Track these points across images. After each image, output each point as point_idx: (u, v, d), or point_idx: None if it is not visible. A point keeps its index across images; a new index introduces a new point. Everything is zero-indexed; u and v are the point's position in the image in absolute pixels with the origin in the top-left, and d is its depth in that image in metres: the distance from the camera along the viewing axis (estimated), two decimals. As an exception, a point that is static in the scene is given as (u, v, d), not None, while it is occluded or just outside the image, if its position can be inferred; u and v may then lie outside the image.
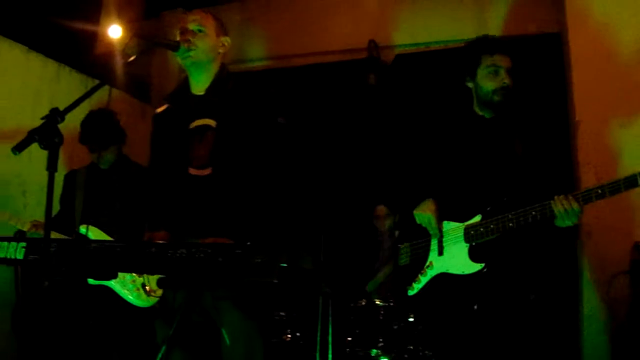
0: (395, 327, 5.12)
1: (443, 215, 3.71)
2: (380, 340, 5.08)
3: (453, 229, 3.63)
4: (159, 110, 3.62)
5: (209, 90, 3.45)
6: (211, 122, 3.37)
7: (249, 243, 2.47)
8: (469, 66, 3.79)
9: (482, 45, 3.77)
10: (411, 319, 5.11)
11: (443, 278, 3.62)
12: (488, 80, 3.68)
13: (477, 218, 3.54)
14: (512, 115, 3.73)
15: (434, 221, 3.67)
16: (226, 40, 3.56)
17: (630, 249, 4.89)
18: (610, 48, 5.45)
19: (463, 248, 3.55)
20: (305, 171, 3.60)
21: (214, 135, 3.34)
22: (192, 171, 3.33)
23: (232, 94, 3.43)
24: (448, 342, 3.66)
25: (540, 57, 6.25)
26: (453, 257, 3.60)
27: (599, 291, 5.11)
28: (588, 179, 5.10)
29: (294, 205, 3.37)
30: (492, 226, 3.44)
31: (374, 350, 5.08)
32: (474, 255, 3.50)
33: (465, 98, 3.87)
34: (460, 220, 3.61)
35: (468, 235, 3.54)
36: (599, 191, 3.16)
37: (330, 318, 3.74)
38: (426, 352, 5.02)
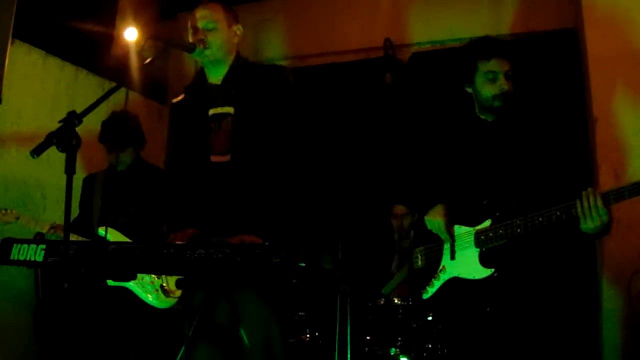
0: (414, 325, 5.10)
1: (455, 218, 3.69)
2: (399, 339, 5.06)
3: (464, 233, 3.62)
4: (176, 100, 3.65)
5: (225, 78, 3.47)
6: (229, 110, 3.39)
7: (267, 243, 2.47)
8: (466, 72, 3.75)
9: (478, 50, 3.70)
10: (430, 318, 5.09)
11: (456, 282, 3.62)
12: (486, 86, 3.64)
13: (487, 223, 3.52)
14: (518, 117, 3.70)
15: (443, 226, 3.65)
16: (238, 28, 3.57)
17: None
18: (627, 43, 5.42)
19: (474, 253, 3.54)
20: (323, 169, 3.60)
21: (232, 121, 3.35)
22: (214, 158, 3.36)
23: (249, 81, 3.43)
24: (462, 345, 3.65)
25: (557, 53, 6.22)
26: (464, 262, 3.59)
27: (618, 289, 5.07)
28: (607, 179, 5.07)
29: (312, 197, 3.38)
30: (501, 231, 3.42)
31: (393, 349, 5.07)
32: (484, 261, 3.49)
33: (468, 101, 3.85)
34: (472, 224, 3.60)
35: (478, 241, 3.53)
36: (625, 192, 3.07)
37: (348, 317, 3.73)
38: (445, 350, 5.00)
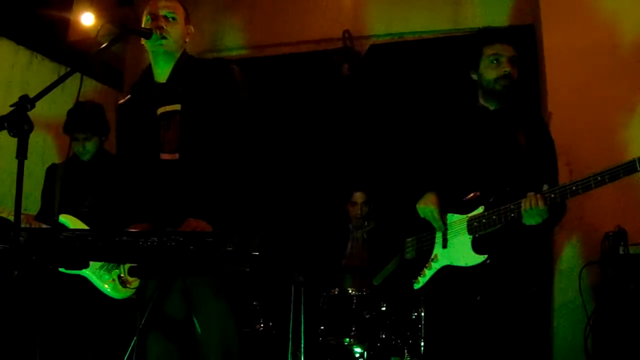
0: (368, 315, 5.14)
1: (447, 207, 3.71)
2: (353, 329, 5.10)
3: (457, 221, 3.63)
4: (122, 101, 3.62)
5: (171, 77, 3.43)
6: (177, 107, 3.36)
7: (220, 231, 2.48)
8: (472, 58, 3.79)
9: (483, 37, 3.78)
10: (383, 308, 5.13)
11: (448, 270, 3.63)
12: (490, 69, 3.69)
13: (480, 210, 3.54)
14: (516, 106, 3.74)
15: (436, 214, 3.67)
16: (191, 28, 3.55)
17: (600, 239, 4.93)
18: (583, 40, 5.49)
19: (466, 240, 3.55)
20: (278, 160, 3.61)
21: (179, 119, 3.34)
22: (164, 156, 3.33)
23: (195, 77, 3.41)
24: (453, 334, 3.66)
25: (515, 48, 6.27)
26: (457, 250, 3.60)
27: (570, 281, 5.15)
28: (561, 174, 5.12)
29: (264, 189, 3.38)
30: (494, 217, 3.44)
31: (347, 339, 5.10)
32: (477, 247, 3.50)
33: (469, 90, 3.87)
34: (464, 212, 3.61)
35: (471, 227, 3.54)
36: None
37: (302, 307, 3.75)
38: (398, 341, 5.05)
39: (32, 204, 5.12)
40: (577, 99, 5.40)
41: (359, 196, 6.30)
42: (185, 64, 3.46)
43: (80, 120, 4.90)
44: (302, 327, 3.85)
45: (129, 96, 3.60)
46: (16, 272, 2.54)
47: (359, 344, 5.08)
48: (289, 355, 3.80)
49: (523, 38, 6.25)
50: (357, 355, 5.08)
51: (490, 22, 6.50)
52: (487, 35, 3.76)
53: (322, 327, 5.20)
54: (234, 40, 7.46)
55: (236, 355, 3.24)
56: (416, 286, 3.79)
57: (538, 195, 3.25)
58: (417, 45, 6.79)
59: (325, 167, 6.68)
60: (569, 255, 5.21)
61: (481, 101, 3.81)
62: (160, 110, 3.39)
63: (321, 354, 5.19)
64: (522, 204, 3.29)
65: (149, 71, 3.52)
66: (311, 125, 6.81)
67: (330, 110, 6.79)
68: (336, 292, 5.31)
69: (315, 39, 7.10)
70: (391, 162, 4.00)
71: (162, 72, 3.45)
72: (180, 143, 3.31)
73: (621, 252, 4.69)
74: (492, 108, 3.76)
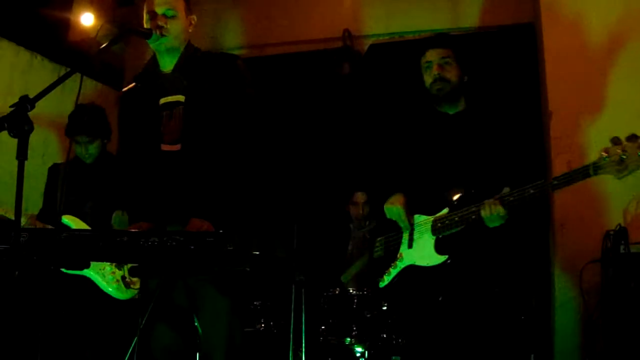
0: (369, 315, 5.13)
1: (415, 208, 3.76)
2: (354, 328, 5.09)
3: (422, 221, 3.69)
4: (125, 89, 3.60)
5: (176, 67, 3.43)
6: (180, 98, 3.36)
7: (221, 230, 2.48)
8: (419, 74, 3.94)
9: (419, 50, 3.95)
10: (384, 308, 5.12)
11: (412, 270, 3.68)
12: (426, 77, 3.85)
13: (444, 211, 3.60)
14: (477, 108, 3.78)
15: (403, 214, 3.73)
16: (193, 18, 3.55)
17: (601, 238, 4.93)
18: (583, 39, 5.48)
19: (429, 240, 3.61)
20: (280, 157, 3.61)
21: (183, 110, 3.33)
22: (165, 147, 3.33)
23: (201, 69, 3.41)
24: (415, 333, 3.71)
25: (515, 47, 6.29)
26: (420, 250, 3.66)
27: (570, 281, 5.15)
28: (560, 170, 5.12)
29: (266, 187, 3.38)
30: (456, 218, 3.50)
31: (348, 339, 5.10)
32: (439, 248, 3.56)
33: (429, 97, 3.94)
34: (430, 213, 3.67)
35: (435, 228, 3.60)
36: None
37: (303, 307, 3.74)
38: (400, 340, 5.04)
39: (33, 204, 5.10)
40: (578, 98, 5.39)
41: (360, 196, 6.30)
42: (190, 56, 3.46)
43: (82, 123, 4.88)
44: (303, 327, 3.84)
45: (132, 84, 3.58)
46: (17, 273, 2.54)
47: (360, 344, 5.08)
48: (290, 355, 3.79)
49: (523, 37, 6.26)
50: (358, 354, 5.07)
51: (490, 20, 6.51)
52: (421, 46, 3.93)
53: (323, 327, 5.20)
54: (234, 40, 7.45)
55: (239, 352, 3.25)
56: (381, 284, 3.86)
57: (496, 201, 3.33)
58: (417, 45, 6.77)
59: (325, 167, 6.67)
60: (570, 254, 5.20)
61: (437, 108, 3.90)
62: (163, 100, 3.39)
63: (322, 354, 5.18)
64: (482, 211, 3.37)
65: (154, 61, 3.51)
66: (311, 125, 6.80)
67: (330, 110, 6.78)
68: (337, 292, 5.30)
69: (315, 38, 7.09)
70: (388, 161, 4.00)
71: (167, 63, 3.46)
72: (182, 135, 3.31)
73: (622, 250, 4.69)
74: (451, 112, 3.85)
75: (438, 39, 3.96)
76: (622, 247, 4.69)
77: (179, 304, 3.27)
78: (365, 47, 7.00)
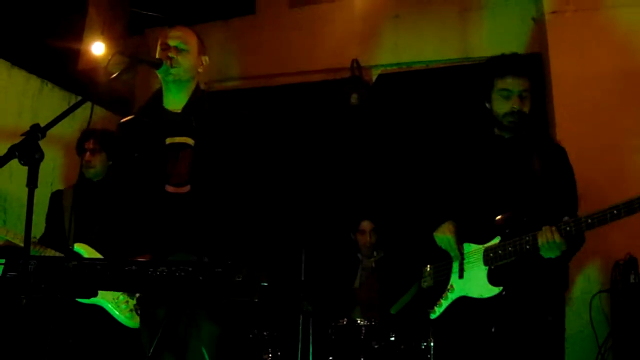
0: (376, 346, 5.10)
1: (464, 237, 3.67)
2: (362, 359, 5.06)
3: (473, 251, 3.59)
4: (124, 120, 3.59)
5: (186, 108, 3.43)
6: (189, 141, 3.35)
7: (229, 262, 2.47)
8: (484, 89, 3.75)
9: (495, 67, 3.71)
10: (392, 338, 5.09)
11: (463, 301, 3.59)
12: (500, 103, 3.64)
13: (496, 240, 3.49)
14: (532, 134, 3.71)
15: (453, 242, 3.62)
16: (205, 59, 3.55)
17: (611, 268, 4.91)
18: (591, 68, 5.50)
19: (482, 271, 3.50)
20: (287, 188, 3.61)
21: (192, 153, 3.33)
22: (170, 189, 3.32)
23: (209, 113, 3.42)
24: None
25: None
26: (472, 280, 3.55)
27: (580, 311, 5.11)
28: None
29: (273, 224, 3.37)
30: (510, 248, 3.39)
31: (356, 369, 5.06)
32: (492, 279, 3.45)
33: (481, 119, 3.83)
34: (481, 242, 3.57)
35: (487, 258, 3.49)
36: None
37: (311, 337, 3.73)
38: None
39: (41, 231, 5.11)
40: (586, 127, 5.40)
41: (366, 225, 6.29)
42: (199, 98, 3.47)
43: (93, 131, 4.93)
44: (311, 357, 3.83)
45: (132, 116, 3.58)
46: (25, 300, 2.54)
47: (368, 374, 5.04)
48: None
49: (531, 67, 6.28)
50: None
51: (498, 51, 6.52)
52: (499, 66, 3.70)
53: (330, 358, 5.16)
54: (242, 70, 7.50)
55: None
56: (432, 316, 3.75)
57: (553, 228, 3.21)
58: (426, 75, 6.80)
59: (334, 196, 6.67)
60: (580, 284, 5.18)
61: (496, 130, 3.77)
62: (169, 141, 3.39)
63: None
64: (539, 238, 3.24)
65: (158, 96, 3.53)
66: (320, 155, 6.81)
67: (339, 140, 6.80)
68: (345, 322, 5.27)
69: (324, 68, 7.13)
70: (400, 191, 3.97)
71: (173, 101, 3.46)
72: (191, 177, 3.31)
73: (632, 280, 4.67)
74: (506, 136, 3.72)
75: (519, 65, 3.70)
76: (632, 276, 4.67)
77: (182, 334, 3.25)
78: (374, 78, 7.02)
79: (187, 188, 3.30)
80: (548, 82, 5.83)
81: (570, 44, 5.65)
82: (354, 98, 6.80)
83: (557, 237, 3.19)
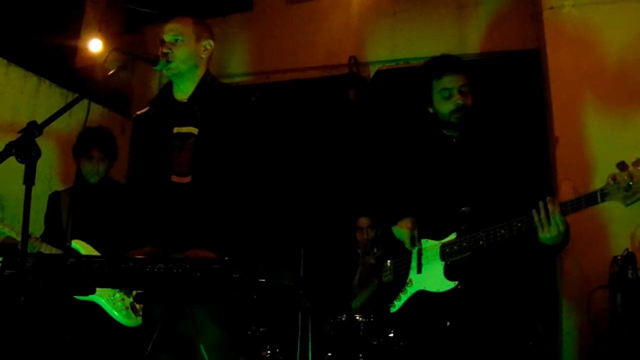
0: (375, 342, 5.10)
1: (423, 233, 3.71)
2: (360, 355, 5.06)
3: (431, 246, 3.64)
4: (140, 112, 3.60)
5: (192, 97, 3.44)
6: (193, 130, 3.36)
7: (227, 258, 2.46)
8: (424, 94, 3.79)
9: (430, 71, 3.75)
10: (391, 335, 5.09)
11: (421, 295, 3.64)
12: (443, 103, 3.67)
13: (452, 236, 3.54)
14: (482, 133, 3.73)
15: (408, 237, 3.69)
16: (209, 43, 3.54)
17: (609, 264, 4.91)
18: (588, 64, 5.50)
19: (439, 266, 3.56)
20: (286, 184, 3.60)
21: (194, 143, 3.33)
22: (175, 178, 3.33)
23: (216, 102, 3.42)
24: (423, 358, 3.67)
25: (520, 73, 6.31)
26: (430, 275, 3.61)
27: (578, 307, 5.12)
28: (566, 195, 5.11)
29: (273, 216, 3.37)
30: (464, 244, 3.45)
31: (354, 366, 5.06)
32: (449, 273, 3.51)
33: (433, 119, 3.86)
34: (438, 238, 3.62)
35: (443, 253, 3.55)
36: (582, 202, 3.09)
37: (309, 334, 3.73)
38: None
39: (39, 227, 5.10)
40: (583, 123, 5.40)
41: (363, 221, 6.29)
42: (206, 87, 3.46)
43: (96, 138, 4.90)
44: (310, 354, 3.83)
45: (147, 108, 3.59)
46: (23, 298, 2.54)
47: (366, 371, 5.04)
48: (296, 382, 3.77)
49: (528, 63, 6.28)
50: (364, 381, 5.04)
51: (495, 47, 6.54)
52: (434, 68, 3.74)
53: (329, 354, 5.17)
54: (240, 67, 7.50)
55: None
56: (392, 310, 3.80)
57: (555, 201, 3.15)
58: (425, 68, 6.79)
59: (333, 193, 6.67)
60: (578, 280, 5.18)
61: (444, 131, 3.79)
62: (176, 130, 3.39)
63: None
64: (534, 214, 3.17)
65: (168, 87, 3.53)
66: (318, 151, 6.81)
67: (337, 136, 6.80)
68: (343, 319, 5.27)
69: (322, 64, 7.13)
70: (395, 186, 3.98)
71: (181, 91, 3.47)
72: (192, 167, 3.31)
73: (630, 276, 4.67)
74: (455, 135, 3.74)
75: (453, 63, 3.75)
76: (630, 272, 4.67)
77: (180, 333, 3.24)
78: (371, 74, 7.02)
79: (188, 178, 3.31)
80: (545, 79, 5.83)
81: (568, 40, 5.64)
82: (351, 94, 6.81)
83: (557, 210, 3.13)
